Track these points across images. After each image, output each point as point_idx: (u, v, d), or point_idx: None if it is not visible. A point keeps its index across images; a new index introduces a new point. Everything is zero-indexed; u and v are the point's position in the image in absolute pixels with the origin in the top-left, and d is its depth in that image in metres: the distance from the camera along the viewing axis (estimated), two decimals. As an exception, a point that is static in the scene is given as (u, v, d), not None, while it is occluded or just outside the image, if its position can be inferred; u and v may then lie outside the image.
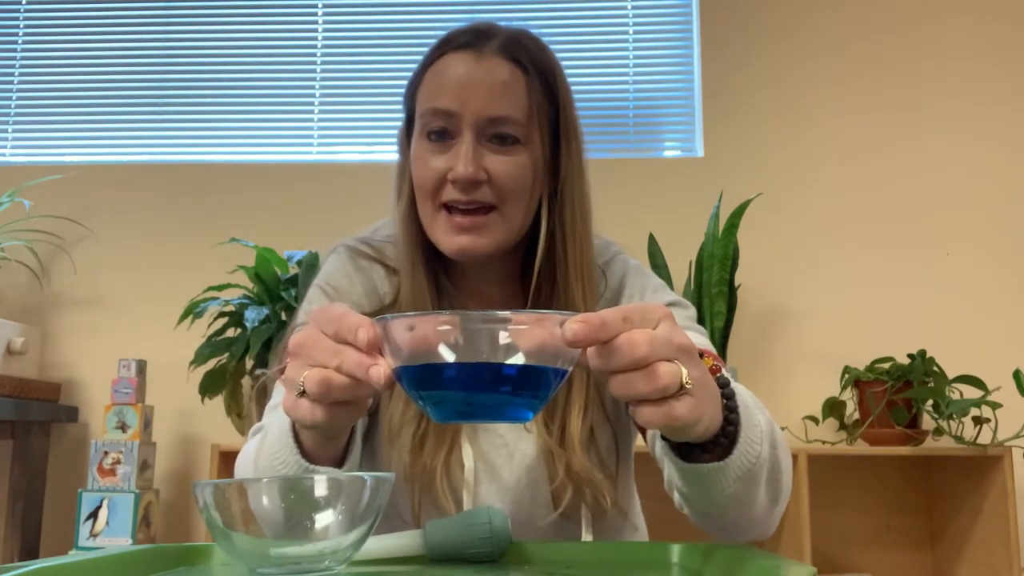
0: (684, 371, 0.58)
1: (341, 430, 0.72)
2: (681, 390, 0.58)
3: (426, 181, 0.94)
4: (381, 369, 0.59)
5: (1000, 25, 2.50)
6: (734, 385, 0.71)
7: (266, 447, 0.77)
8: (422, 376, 0.57)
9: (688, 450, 0.69)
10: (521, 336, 0.55)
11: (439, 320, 0.56)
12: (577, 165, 0.98)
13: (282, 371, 0.95)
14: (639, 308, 0.59)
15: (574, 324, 0.55)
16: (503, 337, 0.55)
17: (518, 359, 0.55)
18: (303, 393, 0.63)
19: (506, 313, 0.55)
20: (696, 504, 0.78)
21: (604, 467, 0.96)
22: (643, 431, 0.90)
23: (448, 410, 0.58)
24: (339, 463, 0.76)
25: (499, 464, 0.97)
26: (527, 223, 0.97)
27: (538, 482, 0.96)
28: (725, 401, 0.68)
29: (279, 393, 0.94)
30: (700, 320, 2.11)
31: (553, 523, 0.96)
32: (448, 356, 0.56)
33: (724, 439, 0.68)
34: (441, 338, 0.55)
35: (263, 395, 2.14)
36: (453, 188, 0.92)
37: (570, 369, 0.58)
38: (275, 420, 0.79)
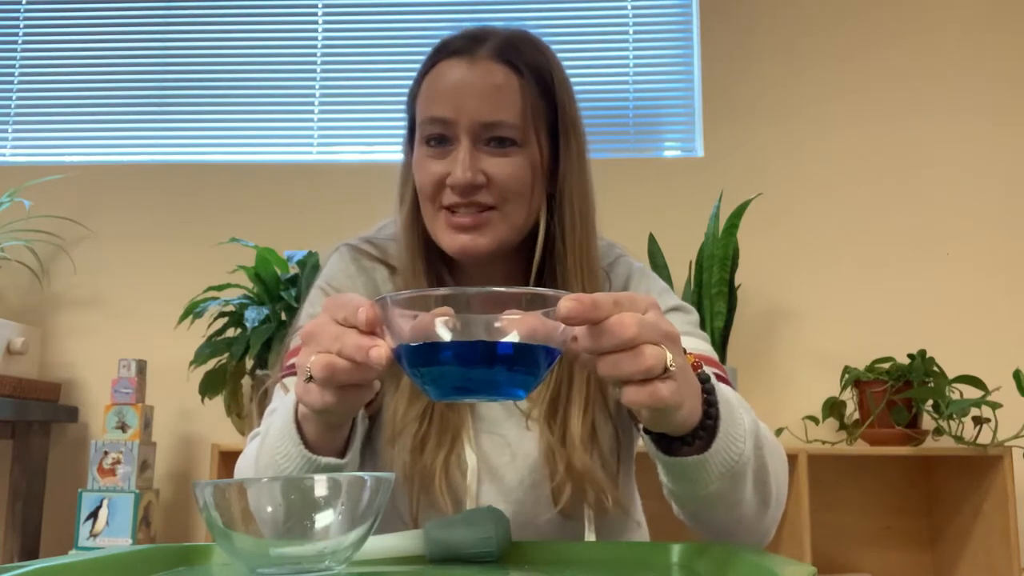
0: (669, 355, 0.61)
1: (347, 416, 0.74)
2: (665, 373, 0.61)
3: (426, 186, 0.95)
4: (381, 350, 0.61)
5: (1000, 32, 2.50)
6: (716, 384, 0.72)
7: (268, 443, 0.78)
8: (420, 354, 0.60)
9: (669, 444, 0.71)
10: (515, 317, 0.58)
11: (437, 298, 0.59)
12: (577, 164, 0.98)
13: (282, 378, 0.96)
14: (628, 295, 0.62)
15: (568, 301, 0.58)
16: (499, 318, 0.58)
17: (512, 338, 0.58)
18: (311, 378, 0.66)
19: (501, 290, 0.58)
20: (684, 501, 0.79)
21: (606, 465, 0.96)
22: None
23: (445, 387, 0.61)
24: (341, 454, 0.77)
25: (502, 465, 0.97)
26: (529, 223, 0.98)
27: (541, 482, 0.96)
28: (705, 396, 0.69)
29: (278, 398, 0.95)
30: (700, 320, 2.11)
31: (555, 523, 0.97)
32: (445, 334, 0.58)
33: (703, 432, 0.70)
34: (439, 317, 0.58)
35: (264, 398, 2.13)
36: (452, 193, 0.94)
37: (562, 350, 0.61)
38: (276, 419, 0.80)
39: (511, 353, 0.58)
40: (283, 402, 0.83)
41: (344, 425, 0.76)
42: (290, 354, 0.98)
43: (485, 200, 0.93)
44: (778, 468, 0.82)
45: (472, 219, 0.94)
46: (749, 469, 0.74)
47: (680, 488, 0.75)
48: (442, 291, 0.59)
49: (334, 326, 0.64)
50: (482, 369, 0.59)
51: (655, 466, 0.77)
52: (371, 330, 0.62)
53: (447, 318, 0.58)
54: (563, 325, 0.59)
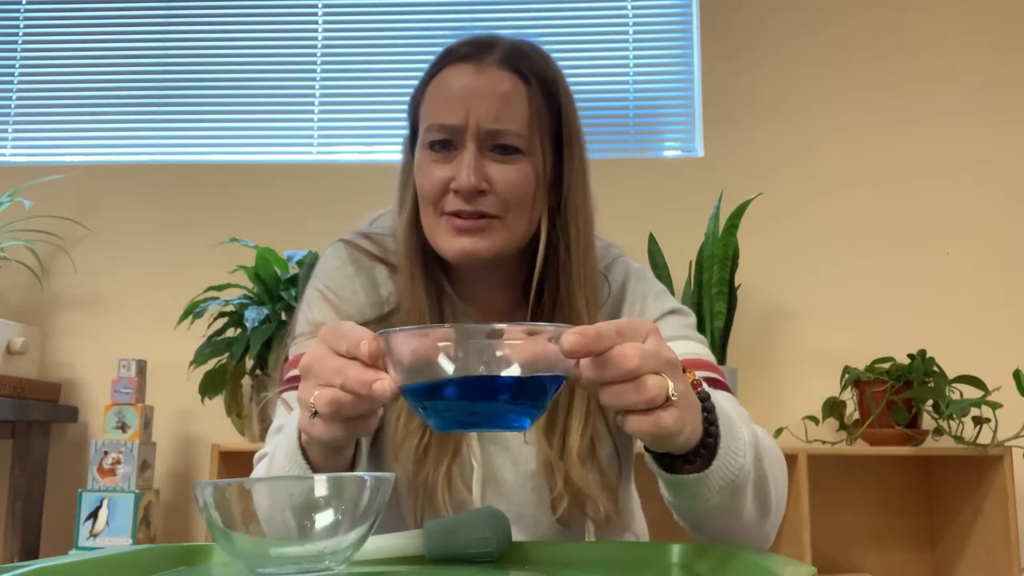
0: (670, 384, 0.62)
1: (352, 440, 0.74)
2: (667, 402, 0.62)
3: (429, 190, 0.94)
4: (385, 383, 0.61)
5: (1000, 34, 2.50)
6: (716, 398, 0.73)
7: (275, 468, 0.78)
8: (424, 388, 0.60)
9: (671, 461, 0.71)
10: (517, 348, 0.58)
11: (439, 334, 0.59)
12: (580, 174, 0.98)
13: (281, 392, 0.96)
14: (629, 323, 0.63)
15: (571, 336, 0.58)
16: (500, 349, 0.58)
17: (514, 371, 0.58)
18: (316, 413, 0.66)
19: (502, 326, 0.58)
20: (686, 514, 0.79)
21: (604, 479, 0.96)
22: None
23: (450, 420, 0.61)
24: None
25: (504, 472, 0.98)
26: (530, 231, 0.97)
27: (542, 489, 0.97)
28: (705, 414, 0.70)
29: (280, 416, 0.94)
30: (700, 320, 2.11)
31: (556, 531, 0.97)
32: (448, 367, 0.58)
33: (704, 450, 0.70)
34: (441, 350, 0.58)
35: (265, 406, 2.14)
36: (456, 198, 0.92)
37: (564, 380, 0.62)
38: (281, 441, 0.80)
39: (515, 386, 0.59)
40: (287, 421, 0.83)
41: (348, 447, 0.76)
42: (289, 365, 0.97)
43: (487, 209, 0.92)
44: (778, 476, 0.82)
45: (474, 223, 0.93)
46: (749, 482, 0.75)
47: (681, 502, 0.76)
48: (444, 328, 0.59)
49: (334, 358, 0.64)
50: (486, 403, 0.60)
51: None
52: (374, 363, 0.62)
53: (449, 344, 0.58)
54: None
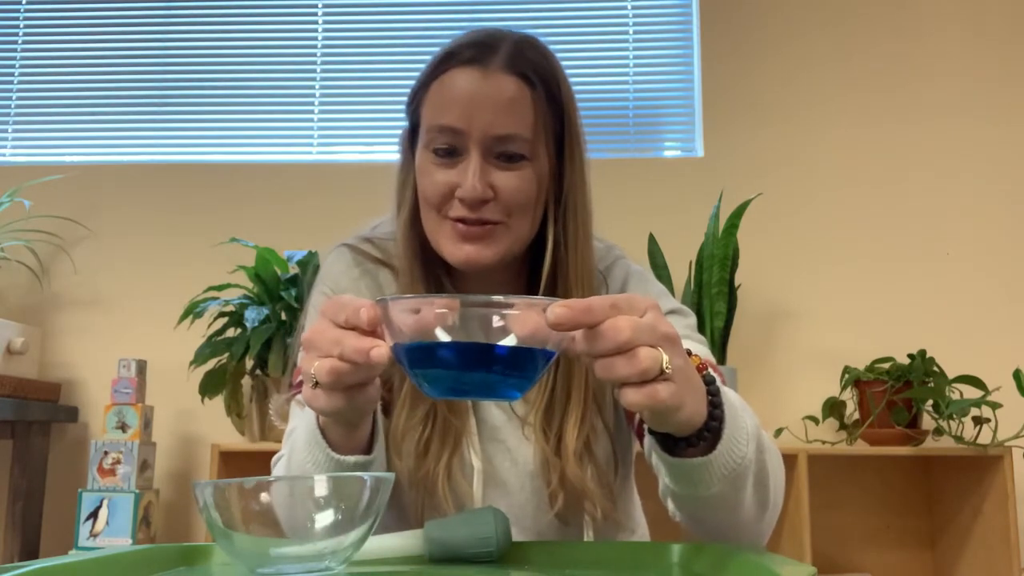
0: (665, 357, 0.61)
1: (361, 414, 0.75)
2: (661, 375, 0.61)
3: (432, 196, 0.94)
4: (382, 350, 0.62)
5: (1000, 33, 2.50)
6: (721, 387, 0.72)
7: (296, 457, 0.79)
8: (416, 353, 0.61)
9: (675, 444, 0.71)
10: (512, 320, 0.59)
11: (436, 302, 0.59)
12: (580, 173, 0.98)
13: (293, 396, 0.97)
14: (627, 297, 0.63)
15: (558, 308, 0.58)
16: (495, 320, 0.59)
17: (509, 341, 0.59)
18: (317, 384, 0.67)
19: (498, 297, 0.59)
20: (685, 504, 0.79)
21: (601, 477, 0.96)
22: (640, 439, 0.91)
23: (441, 386, 0.62)
24: (367, 451, 0.78)
25: (504, 470, 0.98)
26: (533, 232, 0.98)
27: (541, 488, 0.97)
28: (710, 397, 0.69)
29: (296, 417, 0.95)
30: (700, 320, 2.11)
31: (555, 529, 0.97)
32: (443, 336, 0.59)
33: (708, 433, 0.70)
34: (438, 319, 0.59)
35: (264, 397, 2.14)
36: (460, 205, 0.92)
37: (556, 352, 0.62)
38: (299, 433, 0.81)
39: (506, 356, 0.59)
40: (301, 419, 0.84)
41: (364, 424, 0.77)
42: (297, 371, 0.98)
43: (492, 216, 0.93)
44: (777, 472, 0.82)
45: (478, 230, 0.93)
46: (750, 472, 0.74)
47: (682, 489, 0.75)
48: (442, 297, 0.60)
49: (334, 330, 0.65)
50: (477, 371, 0.60)
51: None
52: (373, 329, 0.63)
53: (446, 311, 0.59)
54: None
